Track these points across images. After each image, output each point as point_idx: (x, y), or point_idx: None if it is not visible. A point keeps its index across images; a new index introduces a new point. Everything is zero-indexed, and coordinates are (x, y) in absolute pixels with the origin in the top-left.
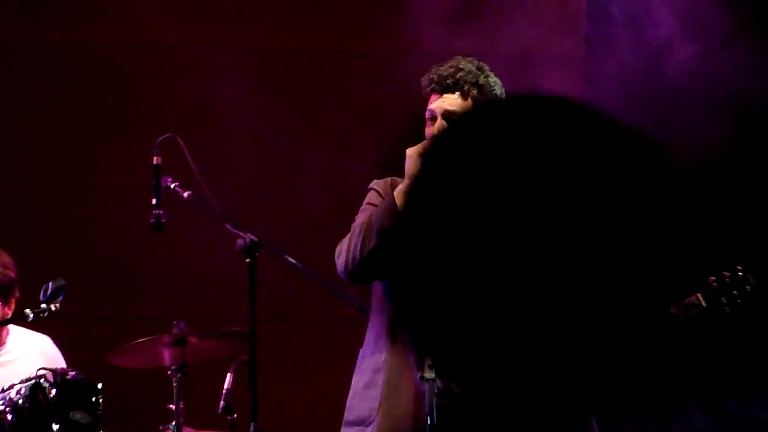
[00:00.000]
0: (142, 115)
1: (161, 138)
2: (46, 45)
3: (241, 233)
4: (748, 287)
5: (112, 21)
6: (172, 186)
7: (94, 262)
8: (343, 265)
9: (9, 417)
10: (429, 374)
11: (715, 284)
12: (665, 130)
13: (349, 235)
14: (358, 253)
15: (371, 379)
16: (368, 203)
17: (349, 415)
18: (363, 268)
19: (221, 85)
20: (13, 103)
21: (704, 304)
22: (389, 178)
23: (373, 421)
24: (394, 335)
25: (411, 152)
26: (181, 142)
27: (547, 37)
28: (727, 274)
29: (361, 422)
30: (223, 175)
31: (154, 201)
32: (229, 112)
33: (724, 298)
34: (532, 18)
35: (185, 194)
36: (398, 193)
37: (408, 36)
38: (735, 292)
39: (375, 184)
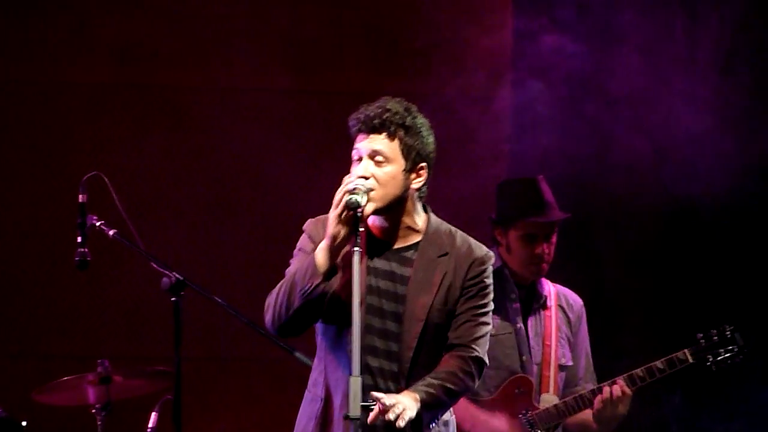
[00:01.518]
0: (68, 153)
1: (87, 176)
2: None
3: (167, 272)
4: (735, 347)
5: (37, 58)
6: (98, 224)
7: (18, 299)
8: (270, 321)
9: None
10: (354, 413)
11: (702, 342)
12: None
13: (276, 290)
14: (283, 312)
15: (305, 427)
16: (300, 248)
17: None
18: (289, 326)
19: (150, 125)
20: None
21: (690, 360)
22: (323, 217)
23: None
24: (328, 384)
25: (332, 215)
26: (107, 181)
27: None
28: (715, 332)
29: None
30: (149, 213)
31: (79, 239)
32: (157, 152)
33: (710, 356)
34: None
35: (110, 232)
36: (319, 251)
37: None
38: (721, 350)
39: (308, 225)
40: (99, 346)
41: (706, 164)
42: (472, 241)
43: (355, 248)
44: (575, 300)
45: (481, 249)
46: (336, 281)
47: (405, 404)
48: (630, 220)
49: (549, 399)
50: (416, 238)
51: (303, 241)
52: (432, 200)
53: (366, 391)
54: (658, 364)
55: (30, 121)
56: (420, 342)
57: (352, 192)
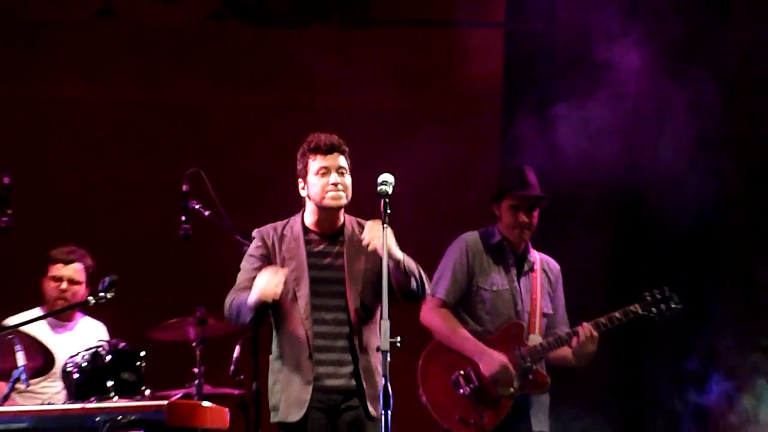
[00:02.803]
0: (175, 156)
1: (189, 171)
2: (114, 103)
3: (246, 242)
4: (672, 303)
5: (155, 84)
6: (197, 207)
7: (140, 263)
8: (227, 318)
9: (75, 375)
10: (384, 347)
11: (648, 298)
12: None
13: (229, 300)
14: (234, 319)
15: (276, 378)
16: (250, 255)
17: (269, 403)
18: (241, 325)
19: (230, 139)
20: (90, 153)
21: (640, 312)
22: (270, 227)
23: (279, 406)
24: (284, 349)
25: (265, 293)
26: (204, 175)
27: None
28: (657, 292)
29: (275, 408)
30: (233, 199)
31: (183, 218)
32: (240, 156)
33: (654, 309)
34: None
35: (206, 213)
36: (254, 294)
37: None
38: (662, 305)
39: (256, 234)
40: (197, 297)
41: (653, 157)
42: (364, 222)
43: (384, 225)
44: (554, 265)
45: (376, 224)
46: (292, 277)
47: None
48: (596, 209)
49: (535, 339)
50: (339, 226)
51: (252, 248)
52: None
53: (320, 337)
54: (617, 314)
55: (149, 135)
56: (363, 295)
57: (383, 183)
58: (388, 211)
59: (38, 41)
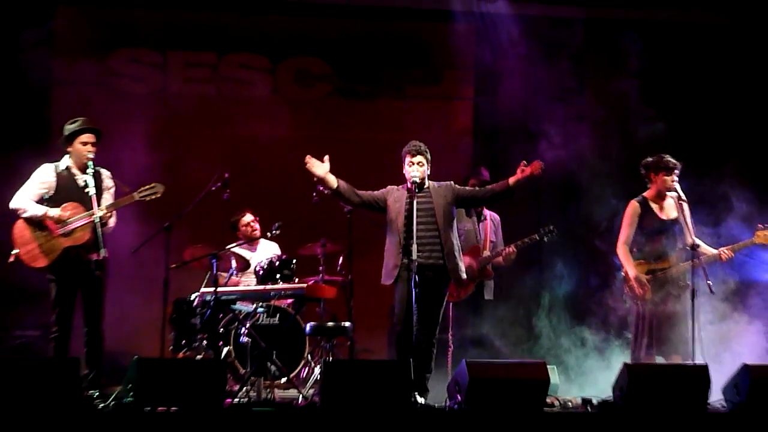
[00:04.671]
0: None
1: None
2: (280, 138)
3: (348, 206)
4: (555, 234)
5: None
6: (321, 188)
7: (294, 216)
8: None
9: (261, 272)
10: (413, 257)
11: (542, 231)
12: None
13: (353, 191)
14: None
15: (385, 260)
16: (378, 191)
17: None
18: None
19: (338, 155)
20: (269, 163)
21: (537, 238)
22: (394, 186)
23: (383, 274)
24: (388, 243)
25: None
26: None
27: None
28: (546, 228)
29: (381, 274)
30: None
31: (314, 194)
32: (341, 164)
33: (545, 237)
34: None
35: (326, 191)
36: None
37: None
38: (549, 234)
39: (390, 186)
40: (321, 233)
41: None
42: (442, 182)
43: (413, 197)
44: (496, 216)
45: (448, 182)
46: (395, 209)
47: None
48: (524, 194)
49: (486, 253)
50: (428, 186)
51: (382, 189)
52: None
53: (411, 239)
54: (526, 239)
55: (300, 154)
56: (443, 223)
57: (414, 176)
58: (418, 191)
59: (244, 107)
